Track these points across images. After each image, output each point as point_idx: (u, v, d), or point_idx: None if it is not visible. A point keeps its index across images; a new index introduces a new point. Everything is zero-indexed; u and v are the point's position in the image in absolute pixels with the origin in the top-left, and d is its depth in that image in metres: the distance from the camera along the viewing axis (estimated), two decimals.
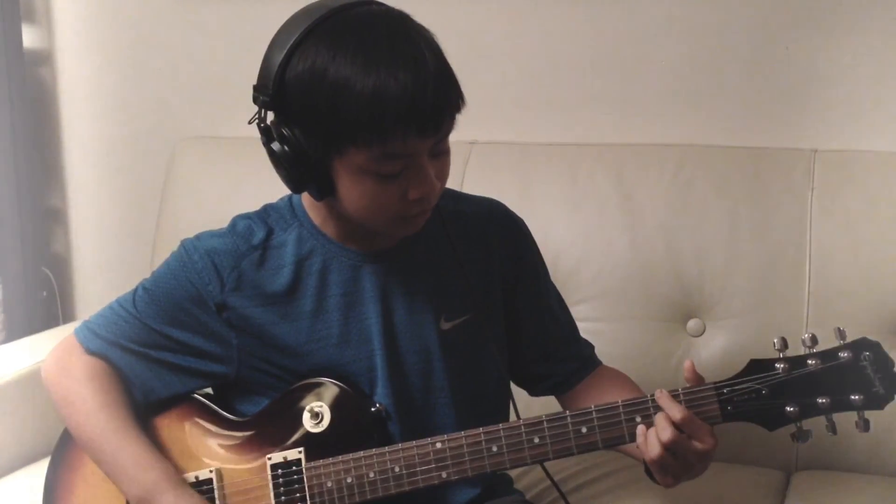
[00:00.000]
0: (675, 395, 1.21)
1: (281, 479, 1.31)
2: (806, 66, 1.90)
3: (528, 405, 1.44)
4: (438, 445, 1.27)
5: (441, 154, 1.24)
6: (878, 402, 1.18)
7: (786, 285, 1.77)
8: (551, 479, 1.39)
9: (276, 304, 1.33)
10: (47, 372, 1.38)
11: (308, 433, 1.32)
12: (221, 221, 1.39)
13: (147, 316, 1.34)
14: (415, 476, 1.27)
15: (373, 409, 1.33)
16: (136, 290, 1.37)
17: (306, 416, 1.32)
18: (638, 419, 1.23)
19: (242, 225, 1.36)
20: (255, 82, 1.24)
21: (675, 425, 1.19)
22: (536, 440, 1.25)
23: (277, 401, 1.34)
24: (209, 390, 1.41)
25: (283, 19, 1.24)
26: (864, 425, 1.19)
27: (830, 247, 1.76)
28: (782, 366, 1.19)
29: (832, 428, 1.20)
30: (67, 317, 2.52)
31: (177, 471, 1.31)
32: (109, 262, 2.48)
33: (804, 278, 1.76)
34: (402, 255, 1.36)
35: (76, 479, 1.38)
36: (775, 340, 1.20)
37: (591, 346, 1.50)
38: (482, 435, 1.26)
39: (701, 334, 1.83)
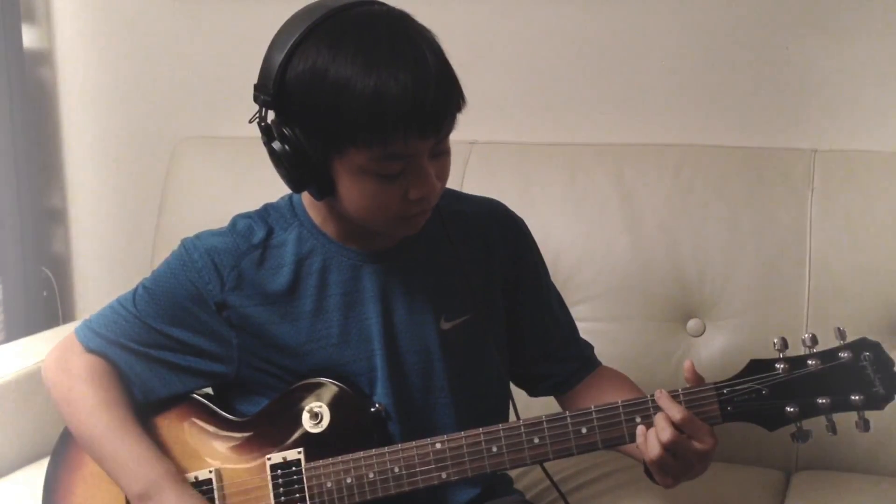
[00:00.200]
0: (674, 396, 1.21)
1: (280, 480, 1.31)
2: (806, 66, 1.90)
3: (528, 405, 1.44)
4: (438, 446, 1.27)
5: (441, 154, 1.24)
6: (879, 403, 1.18)
7: (786, 285, 1.77)
8: (551, 480, 1.39)
9: (276, 303, 1.33)
10: (47, 370, 1.39)
11: (308, 433, 1.31)
12: (221, 221, 1.39)
13: (147, 315, 1.34)
14: (414, 476, 1.27)
15: (372, 410, 1.33)
16: (136, 290, 1.37)
17: (306, 416, 1.32)
18: (638, 419, 1.23)
19: (242, 224, 1.36)
20: (255, 82, 1.24)
21: (675, 425, 1.19)
22: (536, 440, 1.25)
23: (277, 401, 1.34)
24: (209, 390, 1.41)
25: (283, 19, 1.24)
26: (865, 425, 1.19)
27: (830, 247, 1.76)
28: (782, 366, 1.19)
29: (832, 428, 1.20)
30: (67, 317, 2.52)
31: (178, 469, 1.31)
32: (109, 262, 2.48)
33: (804, 278, 1.76)
34: (402, 255, 1.36)
35: (76, 479, 1.38)
36: (775, 340, 1.20)
37: (590, 347, 1.50)
38: (482, 435, 1.26)
39: (701, 334, 1.83)
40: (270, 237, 1.35)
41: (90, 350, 1.35)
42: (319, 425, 1.31)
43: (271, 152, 1.24)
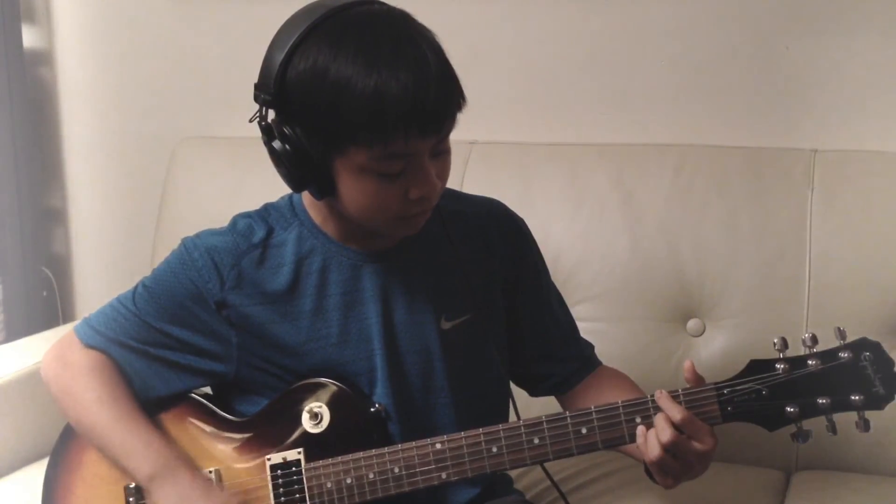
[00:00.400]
0: (674, 396, 1.21)
1: (280, 480, 1.31)
2: (806, 66, 1.90)
3: (528, 405, 1.44)
4: (438, 446, 1.27)
5: (442, 153, 1.24)
6: (879, 403, 1.18)
7: (786, 285, 1.77)
8: (551, 480, 1.39)
9: (276, 302, 1.33)
10: (46, 367, 1.39)
11: (307, 434, 1.31)
12: (221, 221, 1.39)
13: (147, 314, 1.34)
14: (414, 477, 1.27)
15: (372, 410, 1.33)
16: (136, 288, 1.37)
17: (306, 416, 1.32)
18: (638, 420, 1.23)
19: (243, 223, 1.36)
20: (255, 82, 1.24)
21: (675, 426, 1.19)
22: (536, 441, 1.25)
23: (276, 401, 1.34)
24: (208, 390, 1.41)
25: (283, 19, 1.24)
26: (865, 425, 1.19)
27: (830, 247, 1.76)
28: (782, 366, 1.19)
29: (832, 428, 1.20)
30: (67, 317, 2.52)
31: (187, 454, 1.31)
32: (109, 262, 2.48)
33: (804, 278, 1.76)
34: (402, 255, 1.36)
35: (75, 479, 1.38)
36: (775, 340, 1.20)
37: (591, 347, 1.50)
38: (482, 436, 1.26)
39: (701, 334, 1.83)
40: (270, 237, 1.35)
41: (89, 346, 1.35)
42: (319, 425, 1.31)
43: (271, 152, 1.24)
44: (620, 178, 1.89)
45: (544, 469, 1.35)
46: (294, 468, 1.30)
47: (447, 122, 1.21)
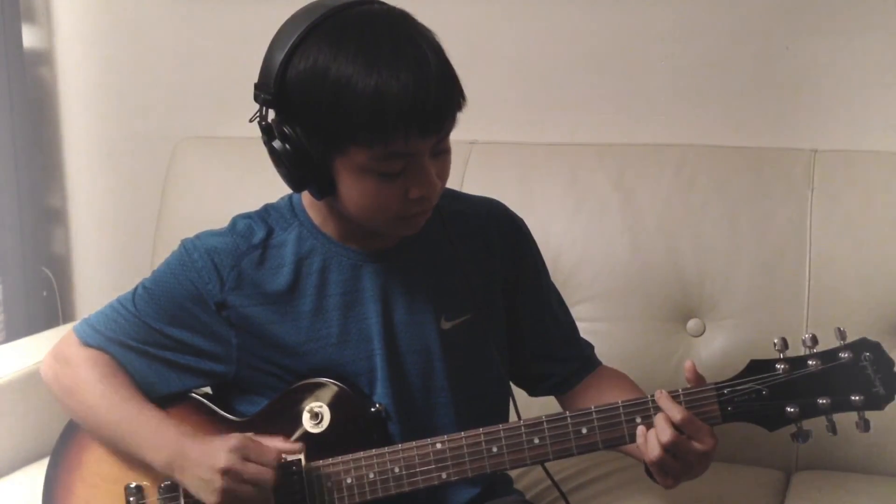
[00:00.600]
0: (675, 396, 1.21)
1: (281, 480, 1.30)
2: (806, 66, 1.90)
3: (528, 405, 1.44)
4: (438, 446, 1.27)
5: (442, 153, 1.25)
6: (879, 403, 1.18)
7: (786, 285, 1.77)
8: (552, 479, 1.39)
9: (276, 303, 1.33)
10: (47, 367, 1.39)
11: (307, 433, 1.31)
12: (221, 221, 1.39)
13: (147, 315, 1.34)
14: (414, 476, 1.27)
15: (372, 410, 1.33)
16: (136, 289, 1.37)
17: (306, 416, 1.32)
18: (638, 420, 1.23)
19: (242, 224, 1.36)
20: (255, 81, 1.24)
21: (675, 426, 1.19)
22: (536, 441, 1.25)
23: (277, 401, 1.34)
24: (208, 390, 1.41)
25: (283, 19, 1.24)
26: (865, 425, 1.19)
27: (830, 247, 1.76)
28: (782, 366, 1.19)
29: (832, 428, 1.20)
30: (67, 317, 2.52)
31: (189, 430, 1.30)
32: (109, 262, 2.48)
33: (804, 278, 1.76)
34: (402, 255, 1.36)
35: (75, 479, 1.38)
36: (775, 341, 1.20)
37: (591, 347, 1.50)
38: (482, 435, 1.26)
39: (701, 334, 1.83)
40: (270, 237, 1.35)
41: (89, 345, 1.35)
42: (319, 425, 1.31)
43: (272, 151, 1.24)
44: (620, 178, 1.89)
45: (545, 469, 1.35)
46: (294, 468, 1.30)
47: (447, 121, 1.21)
